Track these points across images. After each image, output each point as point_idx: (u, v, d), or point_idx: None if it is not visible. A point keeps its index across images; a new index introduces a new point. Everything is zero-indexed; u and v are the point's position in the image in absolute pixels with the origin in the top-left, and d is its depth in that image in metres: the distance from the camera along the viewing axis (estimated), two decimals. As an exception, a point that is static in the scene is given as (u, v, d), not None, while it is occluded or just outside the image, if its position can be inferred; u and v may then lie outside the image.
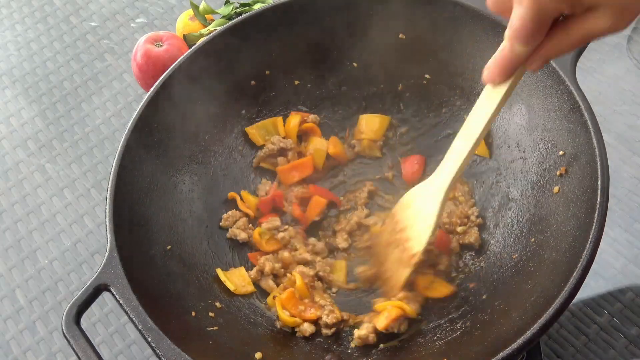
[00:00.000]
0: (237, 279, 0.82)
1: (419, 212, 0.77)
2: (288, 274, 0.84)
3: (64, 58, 1.17)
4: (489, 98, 0.66)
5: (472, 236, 0.83)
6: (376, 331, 0.76)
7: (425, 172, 0.90)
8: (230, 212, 0.87)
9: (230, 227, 0.86)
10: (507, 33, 0.56)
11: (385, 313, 0.76)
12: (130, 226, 0.75)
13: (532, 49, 0.57)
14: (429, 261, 0.82)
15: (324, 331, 0.78)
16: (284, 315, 0.79)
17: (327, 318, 0.79)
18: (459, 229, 0.84)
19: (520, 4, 0.53)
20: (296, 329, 0.79)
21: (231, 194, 0.89)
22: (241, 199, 0.89)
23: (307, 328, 0.78)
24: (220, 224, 0.87)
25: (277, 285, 0.83)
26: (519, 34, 0.55)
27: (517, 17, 0.54)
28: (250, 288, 0.82)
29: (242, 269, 0.84)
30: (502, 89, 0.64)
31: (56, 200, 1.02)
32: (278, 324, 0.79)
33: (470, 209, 0.85)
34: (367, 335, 0.76)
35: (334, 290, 0.84)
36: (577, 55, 0.76)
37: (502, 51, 0.59)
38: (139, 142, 0.80)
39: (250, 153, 0.92)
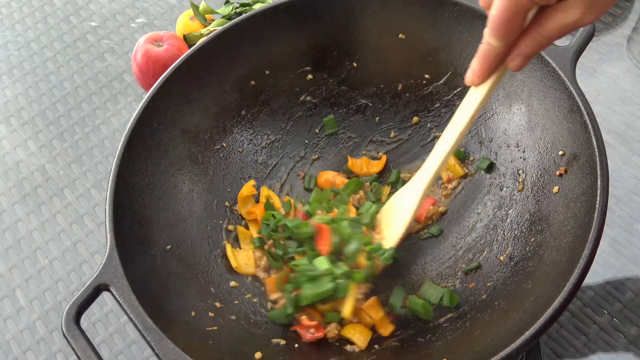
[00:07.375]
0: (242, 258, 0.84)
1: (397, 211, 0.79)
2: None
3: (64, 58, 1.17)
4: (470, 99, 0.69)
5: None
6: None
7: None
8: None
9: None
10: (486, 29, 0.58)
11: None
12: (130, 226, 0.75)
13: (508, 43, 0.59)
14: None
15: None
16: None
17: None
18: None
19: None
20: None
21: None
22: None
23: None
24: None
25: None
26: (494, 26, 0.57)
27: (495, 7, 0.56)
28: (252, 270, 0.84)
29: (250, 252, 0.85)
30: (483, 90, 0.66)
31: (56, 200, 1.02)
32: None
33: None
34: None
35: None
36: (577, 55, 0.76)
37: (480, 48, 0.61)
38: (139, 142, 0.80)
39: (250, 152, 0.92)
